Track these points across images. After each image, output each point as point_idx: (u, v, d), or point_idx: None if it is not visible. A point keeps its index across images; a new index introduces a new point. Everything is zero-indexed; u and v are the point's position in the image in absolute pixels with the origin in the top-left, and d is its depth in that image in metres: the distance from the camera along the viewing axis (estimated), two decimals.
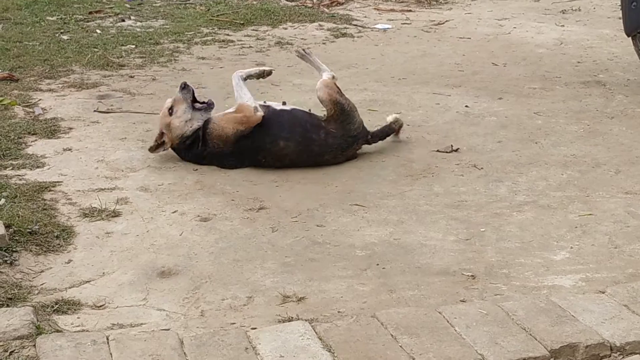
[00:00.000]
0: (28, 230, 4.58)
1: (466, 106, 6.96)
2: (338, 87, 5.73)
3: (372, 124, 6.27)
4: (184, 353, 3.58)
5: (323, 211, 5.01)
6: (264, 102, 5.82)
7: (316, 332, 3.71)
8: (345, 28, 9.60)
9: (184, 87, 5.77)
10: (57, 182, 5.35)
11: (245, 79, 5.82)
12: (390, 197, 5.22)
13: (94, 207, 4.98)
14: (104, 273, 4.31)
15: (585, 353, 3.60)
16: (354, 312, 3.92)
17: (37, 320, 3.81)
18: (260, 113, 5.57)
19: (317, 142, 5.54)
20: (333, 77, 5.83)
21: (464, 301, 4.04)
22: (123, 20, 9.64)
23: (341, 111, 5.59)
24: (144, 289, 4.17)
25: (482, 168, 5.69)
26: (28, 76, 7.48)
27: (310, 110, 5.85)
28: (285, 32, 9.42)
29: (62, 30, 9.10)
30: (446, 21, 9.91)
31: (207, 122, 5.63)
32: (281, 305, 4.01)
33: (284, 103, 5.82)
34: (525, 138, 6.25)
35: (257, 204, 5.09)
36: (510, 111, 6.83)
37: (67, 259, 4.44)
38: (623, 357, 3.61)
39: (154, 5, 10.42)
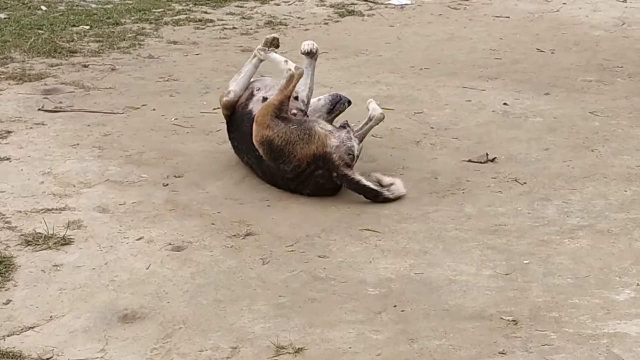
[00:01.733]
0: None
1: (504, 104, 6.97)
2: (272, 114, 5.48)
3: (386, 125, 6.28)
4: None
5: (326, 238, 5.01)
6: (257, 88, 5.90)
7: None
8: (352, 4, 9.65)
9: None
10: None
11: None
12: (410, 220, 5.22)
13: (39, 233, 4.97)
14: (51, 317, 4.30)
15: None
16: None
17: None
18: (229, 97, 5.86)
19: (264, 161, 5.57)
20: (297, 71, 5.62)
21: (503, 353, 4.02)
22: None
23: (269, 150, 5.48)
24: (102, 337, 4.15)
25: (525, 183, 5.69)
26: None
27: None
28: (278, 9, 9.46)
29: None
30: None
31: None
32: (274, 359, 4.00)
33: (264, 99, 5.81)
34: (579, 144, 6.25)
35: (244, 228, 5.08)
36: (559, 110, 6.83)
37: (5, 298, 4.43)
38: None
39: None
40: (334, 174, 5.41)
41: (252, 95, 5.88)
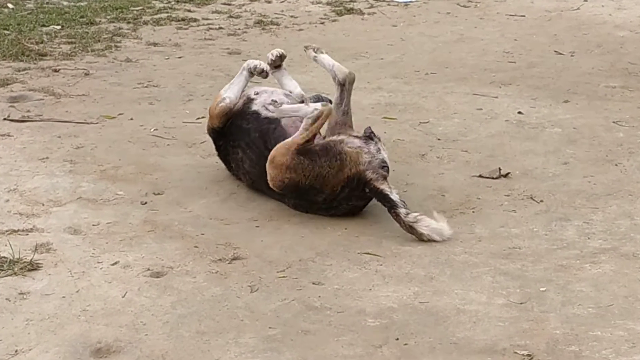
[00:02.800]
0: None
1: (519, 112, 6.98)
2: (295, 152, 5.44)
3: (388, 137, 6.28)
4: None
5: (321, 262, 5.01)
6: (255, 92, 5.98)
7: None
8: (351, 1, 9.67)
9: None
10: None
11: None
12: (414, 243, 5.22)
13: (4, 257, 4.96)
14: (16, 351, 4.29)
15: None
16: None
17: None
18: (225, 103, 5.90)
19: None
20: (350, 76, 5.73)
21: None
22: None
23: (295, 190, 5.47)
24: None
25: (541, 201, 5.69)
26: None
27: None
28: (269, 6, 9.48)
29: None
30: None
31: None
32: None
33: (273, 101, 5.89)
34: (602, 158, 6.25)
35: (230, 252, 5.08)
36: (580, 120, 6.84)
37: None
38: None
39: None
40: (367, 190, 5.40)
41: (250, 99, 5.89)
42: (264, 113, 5.78)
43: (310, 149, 5.47)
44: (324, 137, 5.66)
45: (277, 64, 6.12)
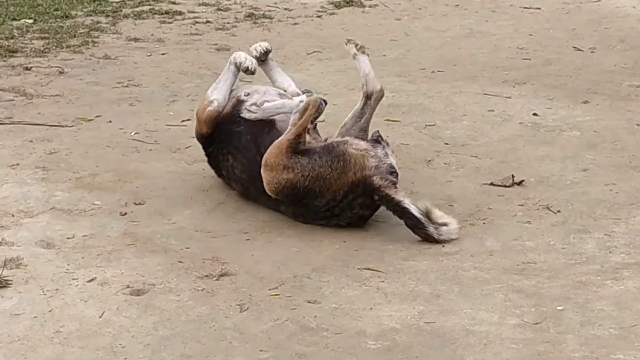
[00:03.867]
0: None
1: (534, 114, 6.97)
2: (289, 150, 5.45)
3: (391, 141, 6.25)
4: None
5: (317, 279, 5.00)
6: (245, 93, 5.96)
7: None
8: None
9: None
10: None
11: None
12: (419, 257, 5.21)
13: None
14: None
15: None
16: None
17: None
18: (213, 107, 5.88)
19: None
20: (379, 91, 5.75)
21: None
22: None
23: (293, 194, 5.46)
24: None
25: (558, 211, 5.69)
26: None
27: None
28: None
29: None
30: None
31: None
32: None
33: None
34: (624, 164, 6.25)
35: (218, 267, 5.07)
36: (601, 122, 6.83)
37: None
38: None
39: None
40: (376, 197, 5.40)
41: (240, 101, 5.87)
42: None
43: (308, 148, 5.47)
44: (326, 140, 5.65)
45: (262, 59, 6.09)
